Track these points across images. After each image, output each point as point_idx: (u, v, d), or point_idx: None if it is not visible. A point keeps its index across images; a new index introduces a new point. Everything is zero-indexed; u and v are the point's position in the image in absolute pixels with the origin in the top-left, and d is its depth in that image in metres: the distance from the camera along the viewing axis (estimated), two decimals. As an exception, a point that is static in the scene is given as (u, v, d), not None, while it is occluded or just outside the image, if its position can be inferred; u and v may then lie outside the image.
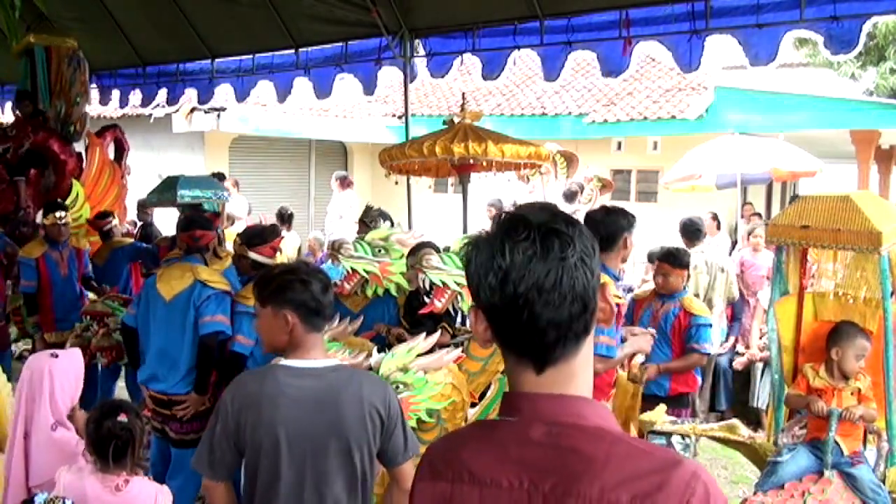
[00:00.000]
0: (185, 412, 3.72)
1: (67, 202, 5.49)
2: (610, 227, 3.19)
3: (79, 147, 6.12)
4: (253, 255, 3.86)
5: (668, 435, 1.19)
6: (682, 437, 1.16)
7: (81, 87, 5.63)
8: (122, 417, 2.43)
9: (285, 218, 8.57)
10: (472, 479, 1.08)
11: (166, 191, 5.77)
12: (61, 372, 2.86)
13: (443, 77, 5.86)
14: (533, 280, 1.01)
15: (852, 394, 3.14)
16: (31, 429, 2.78)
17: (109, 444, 2.41)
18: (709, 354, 4.43)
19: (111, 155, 6.30)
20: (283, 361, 2.17)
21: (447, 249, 4.04)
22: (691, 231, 5.88)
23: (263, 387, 2.09)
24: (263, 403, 2.05)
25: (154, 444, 3.91)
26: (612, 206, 3.49)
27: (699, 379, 4.55)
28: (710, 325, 4.33)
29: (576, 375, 1.07)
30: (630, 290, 5.73)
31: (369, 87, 6.13)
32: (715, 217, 8.94)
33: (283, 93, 6.61)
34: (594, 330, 1.10)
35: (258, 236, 3.96)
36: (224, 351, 3.72)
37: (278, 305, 2.14)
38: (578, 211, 7.86)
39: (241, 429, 2.05)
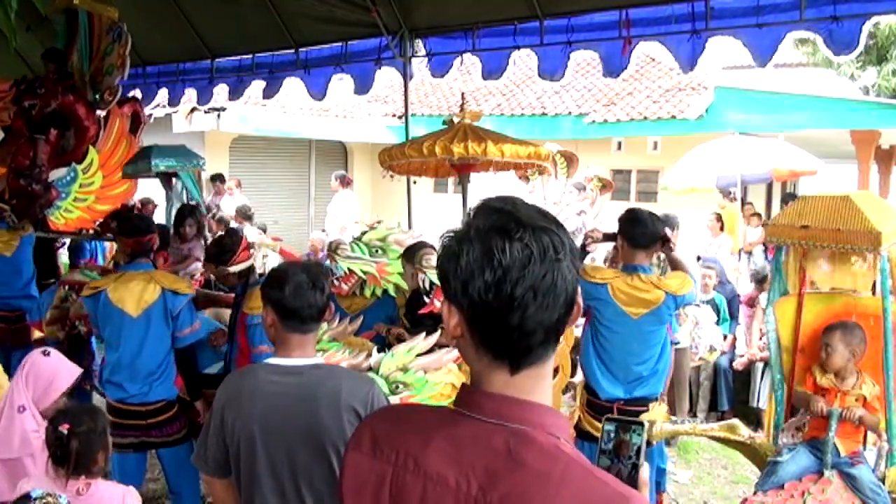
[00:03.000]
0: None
1: (81, 167, 5.45)
2: (659, 228, 3.64)
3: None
4: (234, 269, 3.71)
5: (621, 422, 1.20)
6: (640, 424, 1.16)
7: (119, 60, 5.58)
8: (63, 428, 2.46)
9: (247, 216, 9.00)
10: (417, 470, 1.05)
11: (141, 160, 5.72)
12: (46, 367, 2.95)
13: (442, 77, 5.85)
14: (531, 282, 0.98)
15: (857, 399, 3.13)
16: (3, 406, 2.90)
17: (58, 450, 2.46)
18: (677, 344, 4.44)
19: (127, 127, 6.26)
20: (267, 359, 2.20)
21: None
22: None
23: (244, 383, 2.12)
24: (243, 399, 2.08)
25: (120, 461, 3.54)
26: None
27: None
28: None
29: (544, 379, 1.06)
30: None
31: (364, 88, 6.13)
32: (719, 218, 8.95)
33: (272, 91, 6.64)
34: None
35: (226, 252, 3.73)
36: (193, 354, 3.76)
37: (263, 301, 2.20)
38: (585, 212, 7.86)
39: (226, 423, 2.09)
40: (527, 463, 0.98)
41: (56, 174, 5.49)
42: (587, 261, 4.72)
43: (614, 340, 3.63)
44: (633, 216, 3.68)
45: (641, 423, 1.22)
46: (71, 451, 2.44)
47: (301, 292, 2.11)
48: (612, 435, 1.21)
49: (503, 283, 0.98)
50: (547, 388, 1.07)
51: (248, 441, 2.05)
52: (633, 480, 1.15)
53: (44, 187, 5.38)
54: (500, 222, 1.01)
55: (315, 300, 2.13)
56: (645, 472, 1.18)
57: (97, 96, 5.67)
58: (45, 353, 3.02)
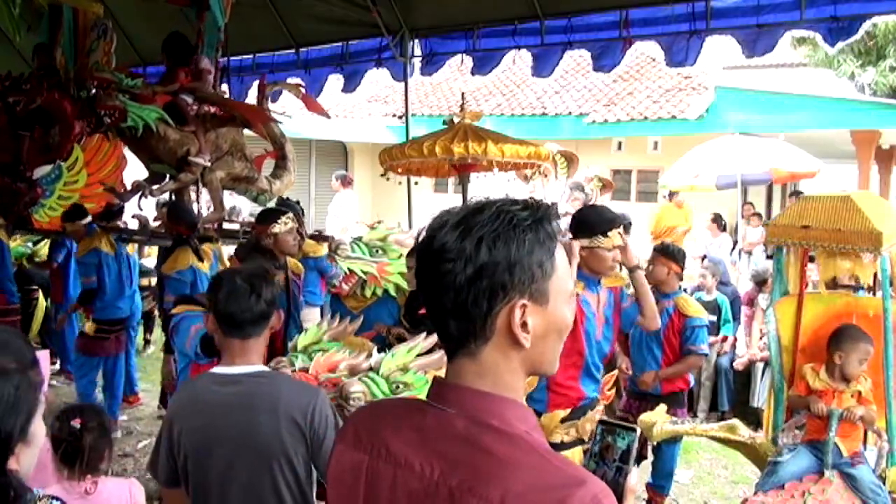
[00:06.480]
0: None
1: (66, 165, 5.42)
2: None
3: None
4: None
5: (609, 425, 1.22)
6: (627, 429, 1.18)
7: (104, 56, 5.57)
8: (76, 423, 2.41)
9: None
10: (389, 458, 1.12)
11: None
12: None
13: (432, 75, 5.89)
14: (442, 242, 1.06)
15: (852, 396, 3.13)
16: None
17: (69, 446, 2.40)
18: (706, 355, 4.43)
19: None
20: (213, 368, 2.16)
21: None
22: None
23: (189, 393, 2.10)
24: (188, 410, 2.05)
25: None
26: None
27: (691, 377, 4.54)
28: (707, 326, 4.33)
29: (488, 375, 1.09)
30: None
31: (351, 87, 6.16)
32: (717, 218, 8.95)
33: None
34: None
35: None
36: None
37: (208, 307, 2.18)
38: (569, 213, 7.86)
39: (173, 435, 2.05)
40: (486, 449, 1.03)
41: (40, 172, 5.47)
42: None
43: None
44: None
45: (630, 428, 1.22)
46: (84, 447, 2.39)
47: (236, 297, 2.07)
48: (599, 438, 1.22)
49: (423, 241, 1.10)
50: (510, 383, 1.10)
51: (194, 453, 2.01)
52: (616, 484, 1.16)
53: (28, 185, 5.38)
54: (458, 218, 1.10)
55: (251, 305, 2.07)
56: (632, 477, 1.19)
57: (82, 93, 5.67)
58: None
